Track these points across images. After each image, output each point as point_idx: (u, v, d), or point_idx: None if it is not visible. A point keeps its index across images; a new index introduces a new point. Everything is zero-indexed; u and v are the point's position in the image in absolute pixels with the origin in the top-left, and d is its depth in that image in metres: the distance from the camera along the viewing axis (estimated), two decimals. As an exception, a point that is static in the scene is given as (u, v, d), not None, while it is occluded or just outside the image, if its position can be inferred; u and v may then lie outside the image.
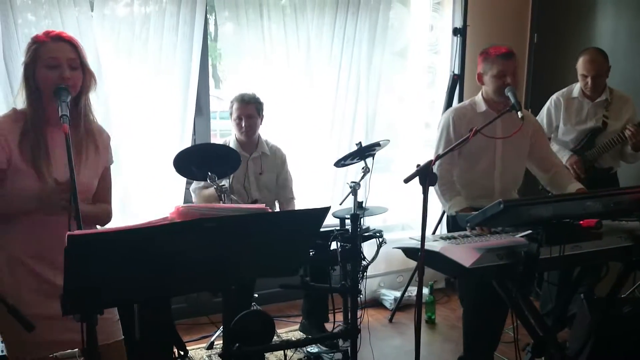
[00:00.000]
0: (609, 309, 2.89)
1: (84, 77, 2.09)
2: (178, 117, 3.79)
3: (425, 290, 4.60)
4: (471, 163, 3.17)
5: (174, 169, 2.97)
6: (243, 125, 3.50)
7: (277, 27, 3.98)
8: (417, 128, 4.75)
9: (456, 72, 4.30)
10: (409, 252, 2.76)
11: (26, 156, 1.99)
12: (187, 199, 3.87)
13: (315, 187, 4.22)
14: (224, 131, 4.36)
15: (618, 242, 2.63)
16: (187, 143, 3.79)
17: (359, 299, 3.22)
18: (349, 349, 3.17)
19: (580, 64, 3.75)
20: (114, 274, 1.46)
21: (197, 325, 4.04)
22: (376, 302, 4.63)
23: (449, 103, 4.29)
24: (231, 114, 3.53)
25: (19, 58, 3.31)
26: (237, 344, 2.93)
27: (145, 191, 3.81)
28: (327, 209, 1.60)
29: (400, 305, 4.43)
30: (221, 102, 4.52)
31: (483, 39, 4.58)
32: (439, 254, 2.45)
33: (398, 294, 4.53)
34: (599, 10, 4.57)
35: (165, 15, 3.67)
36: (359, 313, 3.69)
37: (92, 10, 3.53)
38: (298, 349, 3.53)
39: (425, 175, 2.36)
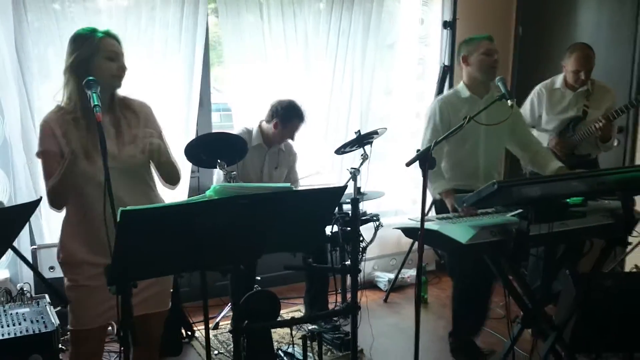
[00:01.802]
0: (592, 283, 3.11)
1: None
2: (183, 110, 3.95)
3: (418, 273, 4.83)
4: (458, 145, 3.36)
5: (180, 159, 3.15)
6: (292, 139, 3.82)
7: (275, 20, 4.14)
8: (408, 118, 4.94)
9: (446, 63, 4.49)
10: (408, 231, 2.96)
11: (75, 144, 2.17)
12: (192, 186, 4.04)
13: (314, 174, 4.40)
14: (216, 124, 4.50)
15: (601, 220, 2.84)
16: (192, 135, 3.95)
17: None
18: (349, 327, 3.37)
19: (574, 60, 3.90)
20: (158, 247, 1.63)
21: (202, 308, 4.20)
22: (371, 284, 4.84)
23: (439, 93, 4.49)
24: (284, 124, 3.74)
25: (30, 51, 3.47)
26: (245, 321, 3.12)
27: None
28: (344, 187, 1.78)
29: (395, 286, 4.64)
30: (220, 95, 4.67)
31: (471, 32, 4.71)
32: (437, 232, 2.65)
33: (392, 275, 4.74)
34: (582, 3, 4.79)
35: (169, 8, 3.82)
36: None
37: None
38: (300, 327, 3.73)
39: (425, 159, 2.55)
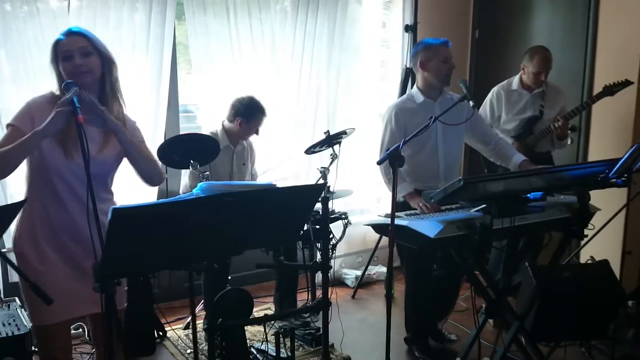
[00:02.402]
0: (551, 274, 3.28)
1: (102, 61, 2.31)
2: (151, 112, 3.98)
3: (384, 269, 4.96)
4: (417, 149, 3.44)
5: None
6: (257, 134, 3.87)
7: (243, 23, 4.21)
8: (372, 118, 5.06)
9: (409, 65, 4.62)
10: (378, 228, 3.09)
11: (57, 135, 2.19)
12: (161, 188, 4.07)
13: (283, 174, 4.48)
14: (184, 126, 4.53)
15: (558, 214, 3.02)
16: (160, 137, 3.98)
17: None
18: (318, 323, 3.47)
19: (535, 62, 4.06)
20: (146, 245, 1.69)
21: (172, 309, 4.24)
22: (338, 282, 4.94)
23: (402, 94, 4.60)
24: (247, 120, 3.79)
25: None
26: (220, 319, 3.18)
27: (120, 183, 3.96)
28: (324, 185, 1.88)
29: (362, 283, 4.76)
30: (187, 97, 4.70)
31: (431, 35, 4.91)
32: (406, 228, 2.78)
33: (358, 272, 4.86)
34: (536, 7, 4.99)
35: (137, 12, 3.84)
36: (319, 292, 4.05)
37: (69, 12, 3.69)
38: (271, 325, 3.80)
39: (395, 158, 2.66)
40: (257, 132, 3.89)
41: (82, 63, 2.25)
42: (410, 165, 3.46)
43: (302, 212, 1.92)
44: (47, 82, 2.39)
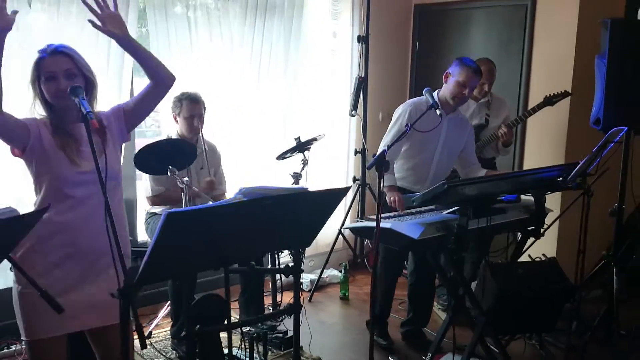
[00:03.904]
0: (508, 272, 3.52)
1: (85, 83, 2.26)
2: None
3: (336, 272, 5.09)
4: (416, 150, 3.65)
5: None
6: (194, 124, 3.67)
7: (203, 29, 4.22)
8: (324, 125, 5.16)
9: (362, 75, 4.77)
10: (358, 230, 3.20)
11: (59, 145, 2.19)
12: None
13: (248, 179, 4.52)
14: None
15: (518, 215, 3.25)
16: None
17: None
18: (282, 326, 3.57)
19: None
20: (188, 248, 1.72)
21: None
22: (291, 286, 5.00)
23: (355, 102, 4.76)
24: (178, 112, 3.69)
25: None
26: (197, 326, 3.17)
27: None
28: (347, 189, 1.97)
29: (318, 285, 4.86)
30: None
31: (377, 46, 5.17)
32: (389, 230, 2.91)
33: (312, 276, 4.96)
34: (473, 21, 5.30)
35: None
36: (279, 297, 4.12)
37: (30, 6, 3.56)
38: (235, 331, 3.82)
39: (381, 163, 2.79)
40: (199, 123, 3.73)
41: (66, 87, 2.15)
42: (405, 165, 3.65)
43: (325, 215, 2.00)
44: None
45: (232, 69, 4.44)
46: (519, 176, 3.22)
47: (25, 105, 2.32)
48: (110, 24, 2.20)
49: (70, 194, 2.23)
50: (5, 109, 2.17)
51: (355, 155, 5.14)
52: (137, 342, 3.70)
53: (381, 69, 5.38)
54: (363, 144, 4.89)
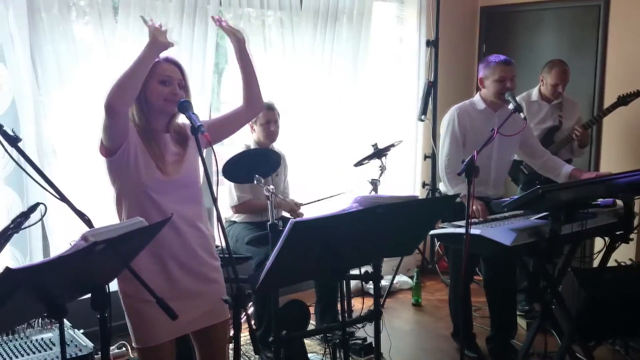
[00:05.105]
0: (596, 278, 3.43)
1: (186, 96, 2.34)
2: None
3: (406, 278, 5.06)
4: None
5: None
6: (271, 129, 3.73)
7: (276, 41, 4.28)
8: (392, 130, 5.14)
9: (431, 79, 4.75)
10: (443, 237, 3.15)
11: (150, 153, 2.26)
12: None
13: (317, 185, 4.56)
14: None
15: (607, 219, 3.18)
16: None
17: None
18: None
19: (553, 75, 4.24)
20: (306, 257, 1.74)
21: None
22: (361, 292, 4.99)
23: (425, 106, 4.74)
24: (255, 120, 3.71)
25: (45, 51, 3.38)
26: (284, 331, 3.19)
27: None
28: (455, 196, 1.96)
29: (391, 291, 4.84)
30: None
31: (444, 49, 5.13)
32: (479, 236, 2.86)
33: (383, 282, 4.92)
34: (543, 23, 5.21)
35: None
36: (353, 302, 4.11)
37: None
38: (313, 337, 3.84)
39: (471, 168, 2.75)
40: (276, 129, 3.78)
41: (179, 94, 2.27)
42: None
43: (431, 222, 2.00)
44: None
45: (304, 78, 4.48)
46: (610, 180, 3.13)
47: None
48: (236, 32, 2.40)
49: (158, 201, 2.26)
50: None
51: (424, 160, 5.10)
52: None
53: (448, 73, 5.34)
54: (433, 149, 4.86)
